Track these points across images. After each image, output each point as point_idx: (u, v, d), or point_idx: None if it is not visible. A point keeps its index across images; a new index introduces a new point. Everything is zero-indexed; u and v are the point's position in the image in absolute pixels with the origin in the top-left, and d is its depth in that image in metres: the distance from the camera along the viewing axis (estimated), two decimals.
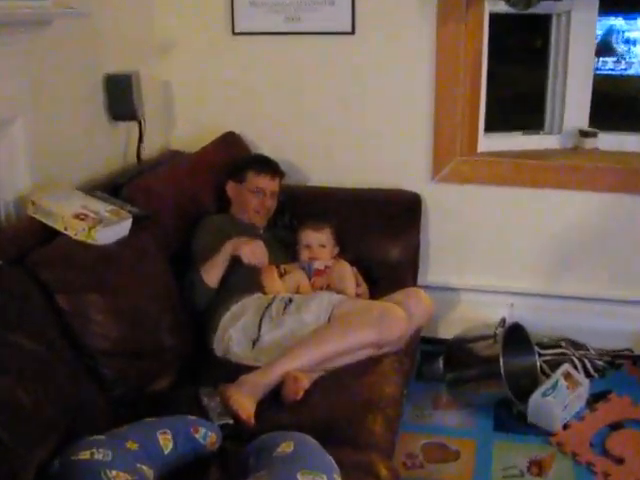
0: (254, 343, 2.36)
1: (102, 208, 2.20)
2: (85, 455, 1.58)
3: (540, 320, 3.03)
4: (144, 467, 1.62)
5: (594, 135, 3.14)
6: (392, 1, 2.94)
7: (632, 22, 3.74)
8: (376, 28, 2.98)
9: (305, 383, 2.15)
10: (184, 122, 3.27)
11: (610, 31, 3.73)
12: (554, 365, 2.83)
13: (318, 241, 2.72)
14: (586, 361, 2.93)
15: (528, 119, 3.39)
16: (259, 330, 2.37)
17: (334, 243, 2.77)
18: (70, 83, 2.52)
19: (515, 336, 2.76)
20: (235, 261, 2.47)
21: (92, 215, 2.13)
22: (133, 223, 2.23)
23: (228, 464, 1.80)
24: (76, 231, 2.07)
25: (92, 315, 1.99)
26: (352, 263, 2.69)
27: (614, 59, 3.79)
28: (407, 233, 3.01)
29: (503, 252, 3.16)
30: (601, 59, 3.65)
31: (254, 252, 2.47)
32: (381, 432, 2.02)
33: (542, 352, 2.92)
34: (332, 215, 2.86)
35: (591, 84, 3.13)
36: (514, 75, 3.49)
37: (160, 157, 3.04)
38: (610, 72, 3.78)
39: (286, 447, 1.67)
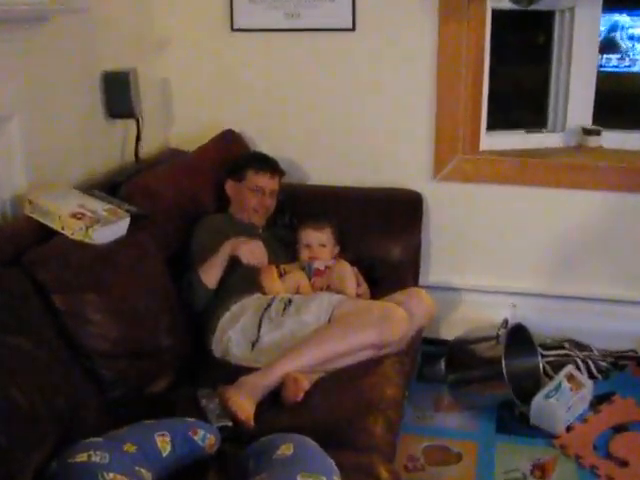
0: (253, 344, 2.36)
1: (100, 207, 2.20)
2: (82, 457, 1.58)
3: (543, 321, 3.03)
4: (142, 470, 1.62)
5: (598, 133, 3.14)
6: None
7: (636, 18, 3.74)
8: (377, 25, 2.98)
9: (305, 384, 2.15)
10: (182, 120, 3.27)
11: (614, 27, 3.73)
12: (557, 366, 2.83)
13: (318, 240, 2.72)
14: (590, 362, 2.93)
15: (531, 117, 3.39)
16: (258, 331, 2.37)
17: (334, 243, 2.77)
18: (67, 80, 2.52)
19: (518, 337, 2.76)
20: (234, 261, 2.48)
21: (89, 214, 2.13)
22: (131, 222, 2.23)
23: (227, 467, 1.80)
24: (73, 230, 2.08)
25: (89, 315, 1.99)
26: (352, 263, 2.69)
27: (618, 56, 3.79)
28: (408, 232, 3.01)
29: (505, 252, 3.16)
30: (605, 56, 3.65)
31: (253, 252, 2.47)
32: (382, 434, 2.02)
33: (545, 353, 2.92)
34: (332, 214, 2.86)
35: (595, 81, 3.13)
36: (517, 72, 3.48)
37: (158, 155, 3.04)
38: (614, 69, 3.79)
39: (286, 449, 1.67)
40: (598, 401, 2.78)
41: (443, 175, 3.09)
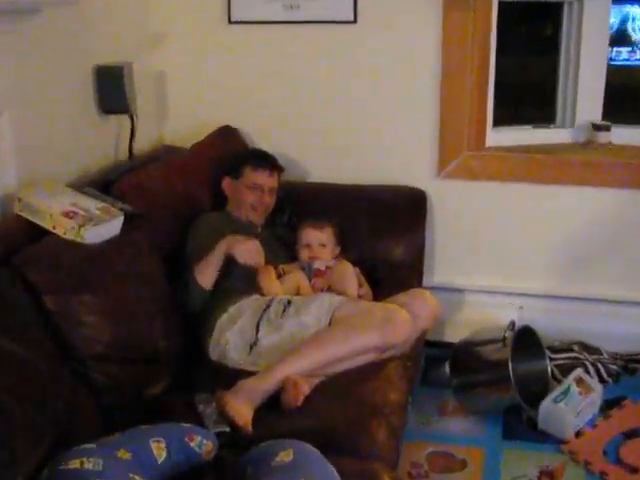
0: (251, 347, 2.37)
1: (92, 206, 2.20)
2: (75, 464, 1.58)
3: (551, 323, 3.03)
4: (136, 477, 1.62)
5: (607, 129, 3.14)
6: None
7: None
8: (379, 17, 2.98)
9: (305, 389, 2.15)
10: (178, 116, 3.27)
11: (625, 19, 3.72)
12: (566, 370, 2.84)
13: (318, 240, 2.72)
14: (599, 366, 2.93)
15: (538, 112, 3.39)
16: (257, 333, 2.37)
17: (335, 242, 2.77)
18: (59, 75, 2.52)
19: (525, 339, 2.76)
20: (231, 261, 2.48)
21: (82, 213, 2.13)
22: (125, 221, 2.23)
23: (224, 474, 1.80)
24: (65, 230, 2.08)
25: (82, 317, 1.99)
26: (354, 263, 2.69)
27: (629, 49, 3.79)
28: (412, 232, 3.01)
29: (512, 251, 3.16)
30: (615, 49, 3.65)
31: (249, 251, 2.47)
32: (384, 440, 2.03)
33: (553, 356, 2.92)
34: (333, 213, 2.86)
35: (605, 75, 3.13)
36: (524, 66, 3.48)
37: (153, 152, 3.04)
38: (625, 62, 3.78)
39: (285, 456, 1.67)
40: (608, 406, 2.78)
41: (448, 172, 3.09)
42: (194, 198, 2.77)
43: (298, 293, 2.56)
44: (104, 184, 2.48)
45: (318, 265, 2.67)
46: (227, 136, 3.13)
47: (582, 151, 3.12)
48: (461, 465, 2.54)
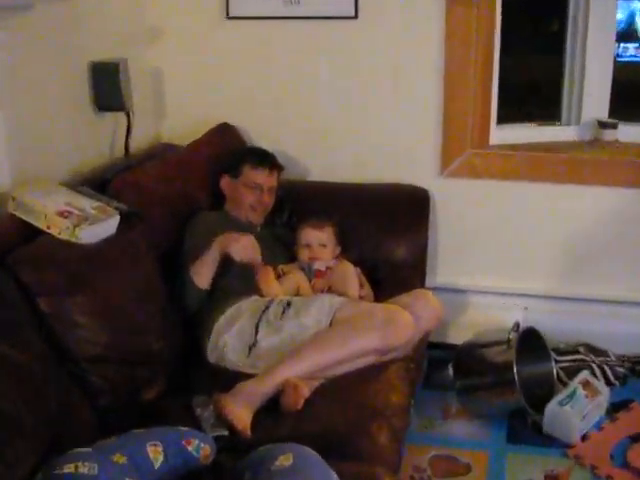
0: (250, 349, 2.36)
1: (87, 205, 2.20)
2: (70, 469, 1.57)
3: (556, 324, 3.02)
4: None
5: (614, 126, 3.14)
6: None
7: None
8: (381, 12, 2.98)
9: (305, 391, 2.15)
10: (175, 113, 3.27)
11: (632, 14, 3.71)
12: (572, 372, 2.84)
13: (319, 240, 2.72)
14: (606, 368, 2.93)
15: (544, 109, 3.38)
16: (256, 335, 2.37)
17: (336, 242, 2.77)
18: (53, 72, 2.52)
19: (530, 341, 2.76)
20: (228, 260, 2.47)
21: (77, 212, 2.13)
22: (121, 221, 2.22)
23: (222, 478, 1.80)
24: (60, 229, 2.07)
25: (77, 319, 1.99)
26: (355, 263, 2.69)
27: (636, 45, 3.78)
28: (414, 231, 3.01)
29: (517, 251, 3.16)
30: (622, 45, 3.64)
31: (245, 248, 2.47)
32: (386, 444, 2.02)
33: (559, 358, 2.92)
34: (334, 212, 2.86)
35: (611, 71, 3.12)
36: (529, 62, 3.48)
37: (150, 150, 3.04)
38: (632, 59, 3.77)
39: (285, 460, 1.67)
40: (615, 409, 2.78)
41: (451, 171, 3.09)
42: (192, 197, 2.77)
43: (298, 294, 2.56)
44: (100, 183, 2.48)
45: (318, 265, 2.67)
46: (225, 133, 3.13)
47: (588, 149, 3.12)
48: (465, 469, 2.54)
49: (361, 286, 2.64)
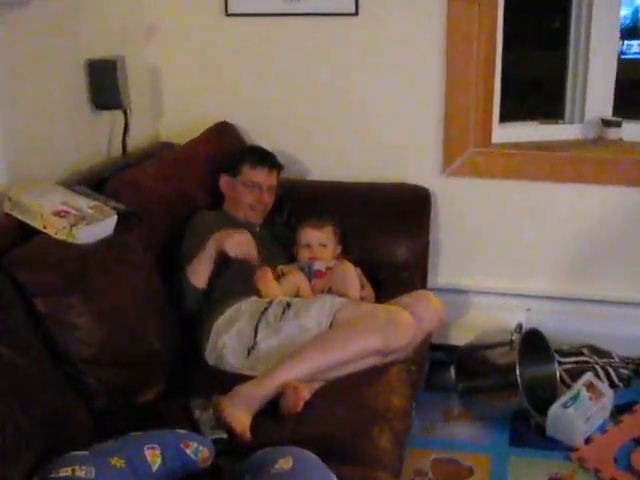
0: (250, 351, 2.36)
1: (84, 204, 2.19)
2: (66, 472, 1.58)
3: (560, 325, 3.03)
4: None
5: (618, 125, 3.13)
6: None
7: None
8: (381, 9, 2.98)
9: (305, 394, 2.15)
10: (173, 111, 3.27)
11: (637, 11, 3.71)
12: (575, 374, 2.83)
13: (319, 240, 2.72)
14: (610, 370, 2.93)
15: (547, 107, 3.39)
16: (255, 337, 2.37)
17: (336, 242, 2.77)
18: (49, 69, 2.52)
19: (533, 343, 2.76)
20: (226, 258, 2.47)
21: (73, 212, 2.13)
22: (118, 221, 2.22)
23: None
24: (56, 229, 2.07)
25: (73, 320, 1.99)
26: (356, 264, 2.69)
27: None
28: (415, 231, 3.01)
29: (519, 252, 3.16)
30: (626, 42, 3.64)
31: (240, 243, 2.47)
32: (388, 447, 2.02)
33: (562, 360, 2.92)
34: (334, 212, 2.86)
35: (615, 69, 3.12)
36: (531, 59, 3.48)
37: (148, 149, 3.04)
38: (636, 56, 3.77)
39: (284, 463, 1.67)
40: (619, 411, 2.78)
41: (453, 169, 3.09)
42: (190, 196, 2.77)
43: (298, 295, 2.56)
44: (97, 182, 2.48)
45: (318, 266, 2.67)
46: (224, 132, 3.13)
47: (592, 148, 3.12)
48: (467, 473, 2.53)
49: (362, 287, 2.64)
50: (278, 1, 3.04)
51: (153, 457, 1.71)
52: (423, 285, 2.99)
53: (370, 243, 2.93)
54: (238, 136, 3.18)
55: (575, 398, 2.65)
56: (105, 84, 2.73)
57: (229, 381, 2.22)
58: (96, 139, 2.84)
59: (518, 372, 2.56)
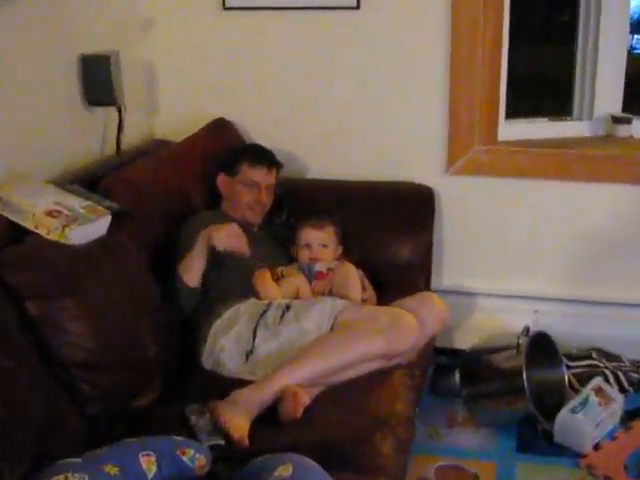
0: (248, 355, 2.36)
1: (77, 204, 2.19)
2: None
3: (568, 328, 3.03)
4: None
5: (628, 121, 3.14)
6: None
7: None
8: (384, 2, 2.98)
9: (305, 399, 2.15)
10: (169, 108, 3.27)
11: None
12: (584, 379, 2.84)
13: (319, 240, 2.72)
14: (620, 374, 2.93)
15: (554, 104, 3.39)
16: (253, 340, 2.37)
17: (337, 242, 2.77)
18: (41, 65, 2.52)
19: (540, 346, 2.76)
20: (218, 255, 2.47)
21: (66, 212, 2.12)
22: (112, 221, 2.22)
23: None
24: (48, 230, 2.07)
25: (66, 323, 1.98)
26: (357, 265, 2.69)
27: None
28: (419, 231, 3.01)
29: (526, 252, 3.16)
30: (636, 36, 3.64)
31: (228, 236, 2.47)
32: (390, 454, 2.02)
33: (570, 364, 2.92)
34: (335, 211, 2.86)
35: (625, 64, 3.13)
36: (539, 54, 3.48)
37: (143, 147, 3.03)
38: None
39: (283, 471, 1.66)
40: (629, 416, 2.78)
41: (457, 168, 3.09)
42: (186, 196, 2.77)
43: (297, 297, 2.56)
44: (90, 181, 2.48)
45: (319, 267, 2.67)
46: (221, 129, 3.13)
47: (601, 145, 3.12)
48: None
49: (363, 289, 2.64)
50: None
51: (148, 464, 1.71)
52: (426, 287, 2.99)
53: (372, 244, 2.93)
54: (236, 133, 3.18)
55: (584, 403, 2.65)
56: (98, 80, 2.73)
57: (227, 386, 2.22)
58: (89, 136, 2.84)
59: (525, 377, 2.56)
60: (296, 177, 3.16)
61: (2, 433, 1.63)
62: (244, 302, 2.48)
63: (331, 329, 2.35)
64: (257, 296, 2.51)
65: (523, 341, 2.67)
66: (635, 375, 2.95)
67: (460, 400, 2.85)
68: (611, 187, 3.01)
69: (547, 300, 3.13)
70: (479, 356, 2.85)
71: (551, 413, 2.64)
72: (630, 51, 3.19)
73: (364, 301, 2.60)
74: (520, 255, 3.16)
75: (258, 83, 3.17)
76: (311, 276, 2.64)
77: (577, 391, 2.78)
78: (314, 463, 1.73)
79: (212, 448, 1.89)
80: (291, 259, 2.76)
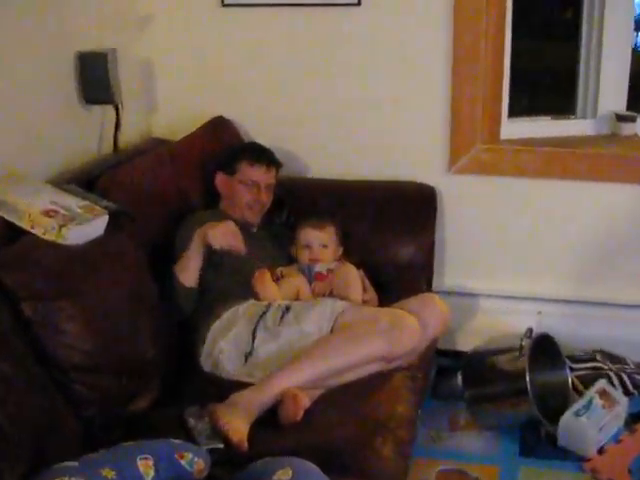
0: (247, 357, 2.36)
1: (74, 204, 2.19)
2: None
3: (572, 330, 3.02)
4: None
5: (633, 119, 3.14)
6: None
7: None
8: None
9: (305, 402, 2.15)
10: (167, 106, 3.27)
11: None
12: (588, 381, 2.83)
13: (319, 240, 2.72)
14: (624, 376, 2.93)
15: (558, 102, 3.39)
16: (253, 342, 2.37)
17: (337, 243, 2.77)
18: (37, 62, 2.51)
19: (543, 348, 2.76)
20: (214, 254, 2.46)
21: (63, 212, 2.12)
22: (109, 221, 2.22)
23: None
24: (45, 230, 2.07)
25: (62, 324, 1.98)
26: (358, 265, 2.69)
27: None
28: (420, 231, 3.01)
29: (530, 253, 3.16)
30: None
31: (224, 234, 2.46)
32: (391, 457, 2.02)
33: (574, 366, 2.92)
34: (335, 211, 2.87)
35: (629, 62, 3.13)
36: (542, 51, 3.48)
37: (140, 146, 3.03)
38: None
39: (283, 474, 1.67)
40: (634, 419, 2.78)
41: (459, 167, 3.09)
42: (184, 195, 2.77)
43: (297, 298, 2.56)
44: (87, 180, 2.48)
45: (319, 268, 2.67)
46: (220, 128, 3.13)
47: (605, 144, 3.12)
48: None
49: (364, 290, 2.64)
50: None
51: (146, 468, 1.71)
52: (428, 288, 2.99)
53: (373, 244, 2.93)
54: (235, 132, 3.17)
55: (588, 406, 2.65)
56: (96, 78, 2.73)
57: (226, 388, 2.22)
58: (86, 135, 2.83)
59: (528, 379, 2.56)
60: (296, 176, 3.16)
61: None
62: (243, 303, 2.48)
63: (331, 331, 2.36)
64: (256, 297, 2.51)
65: (526, 343, 2.67)
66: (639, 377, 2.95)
67: (462, 403, 2.84)
68: (615, 186, 3.01)
69: (551, 301, 3.13)
70: (482, 358, 2.85)
71: (554, 416, 2.64)
72: (634, 48, 3.19)
73: (365, 302, 2.59)
74: (523, 255, 3.16)
75: (257, 81, 3.17)
76: (311, 277, 2.65)
77: (581, 394, 2.77)
78: (314, 466, 1.73)
79: (211, 451, 1.90)
80: (291, 259, 2.76)
